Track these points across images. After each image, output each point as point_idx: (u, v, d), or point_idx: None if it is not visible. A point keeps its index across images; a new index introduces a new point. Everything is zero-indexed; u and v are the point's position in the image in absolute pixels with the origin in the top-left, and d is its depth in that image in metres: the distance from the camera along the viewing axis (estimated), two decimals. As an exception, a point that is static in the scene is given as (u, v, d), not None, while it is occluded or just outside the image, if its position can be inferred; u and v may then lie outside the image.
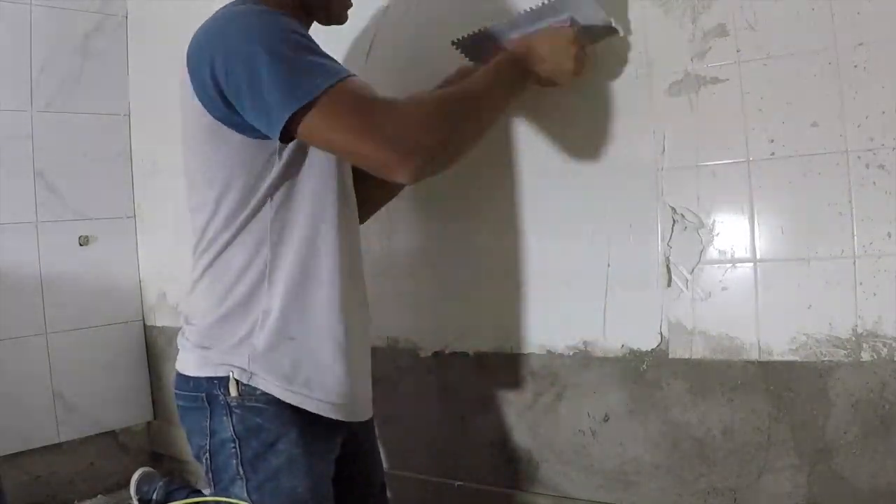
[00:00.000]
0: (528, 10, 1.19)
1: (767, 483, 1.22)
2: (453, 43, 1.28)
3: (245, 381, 1.02)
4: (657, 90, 1.27)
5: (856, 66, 1.10)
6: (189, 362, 1.07)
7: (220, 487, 1.05)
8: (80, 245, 2.27)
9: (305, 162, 1.04)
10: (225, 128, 0.99)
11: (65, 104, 2.24)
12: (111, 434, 2.33)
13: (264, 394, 1.03)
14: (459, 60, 1.30)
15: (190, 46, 1.00)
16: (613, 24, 1.20)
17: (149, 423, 2.42)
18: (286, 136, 0.94)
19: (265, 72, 0.91)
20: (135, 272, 2.39)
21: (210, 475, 1.07)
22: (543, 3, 1.17)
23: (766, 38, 1.16)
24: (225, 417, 1.03)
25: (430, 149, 0.95)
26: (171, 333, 2.26)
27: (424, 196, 1.55)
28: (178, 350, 1.11)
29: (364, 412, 1.16)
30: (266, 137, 0.97)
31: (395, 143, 0.93)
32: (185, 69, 0.99)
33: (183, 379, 1.08)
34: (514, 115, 1.42)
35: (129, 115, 2.39)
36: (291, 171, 1.03)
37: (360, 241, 1.19)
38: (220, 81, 0.94)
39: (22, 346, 2.14)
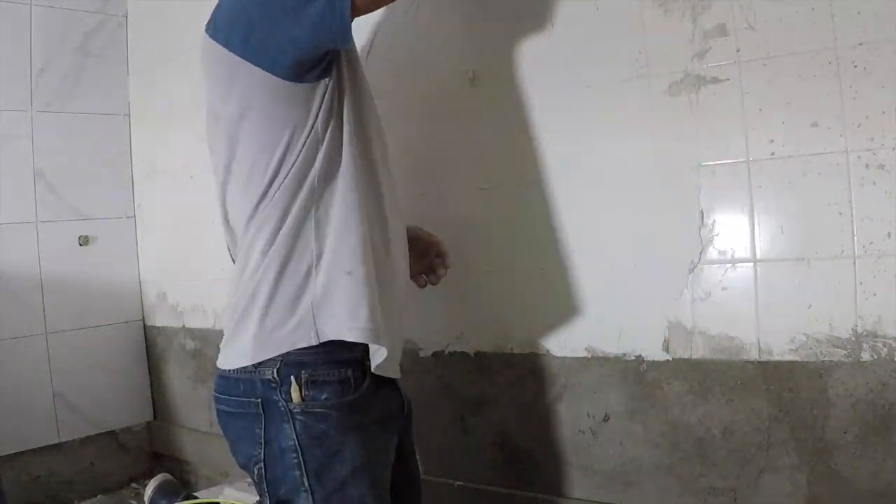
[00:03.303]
0: None
1: (767, 483, 1.22)
2: None
3: (317, 340, 0.97)
4: (657, 90, 1.27)
5: (856, 66, 1.10)
6: (245, 351, 0.99)
7: (279, 500, 1.00)
8: (80, 245, 2.27)
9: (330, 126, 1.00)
10: (245, 66, 0.95)
11: (65, 104, 2.24)
12: (111, 434, 2.34)
13: (329, 398, 0.99)
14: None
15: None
16: None
17: (149, 423, 2.42)
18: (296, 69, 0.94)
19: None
20: (135, 272, 2.40)
21: (264, 485, 1.01)
22: None
23: (766, 38, 1.16)
24: (286, 425, 0.98)
25: None
26: (171, 333, 2.27)
27: (424, 196, 1.55)
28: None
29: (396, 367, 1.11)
30: (289, 79, 0.95)
31: None
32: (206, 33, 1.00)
33: (231, 382, 1.01)
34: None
35: (129, 115, 2.39)
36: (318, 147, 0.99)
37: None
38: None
39: (22, 346, 2.14)
